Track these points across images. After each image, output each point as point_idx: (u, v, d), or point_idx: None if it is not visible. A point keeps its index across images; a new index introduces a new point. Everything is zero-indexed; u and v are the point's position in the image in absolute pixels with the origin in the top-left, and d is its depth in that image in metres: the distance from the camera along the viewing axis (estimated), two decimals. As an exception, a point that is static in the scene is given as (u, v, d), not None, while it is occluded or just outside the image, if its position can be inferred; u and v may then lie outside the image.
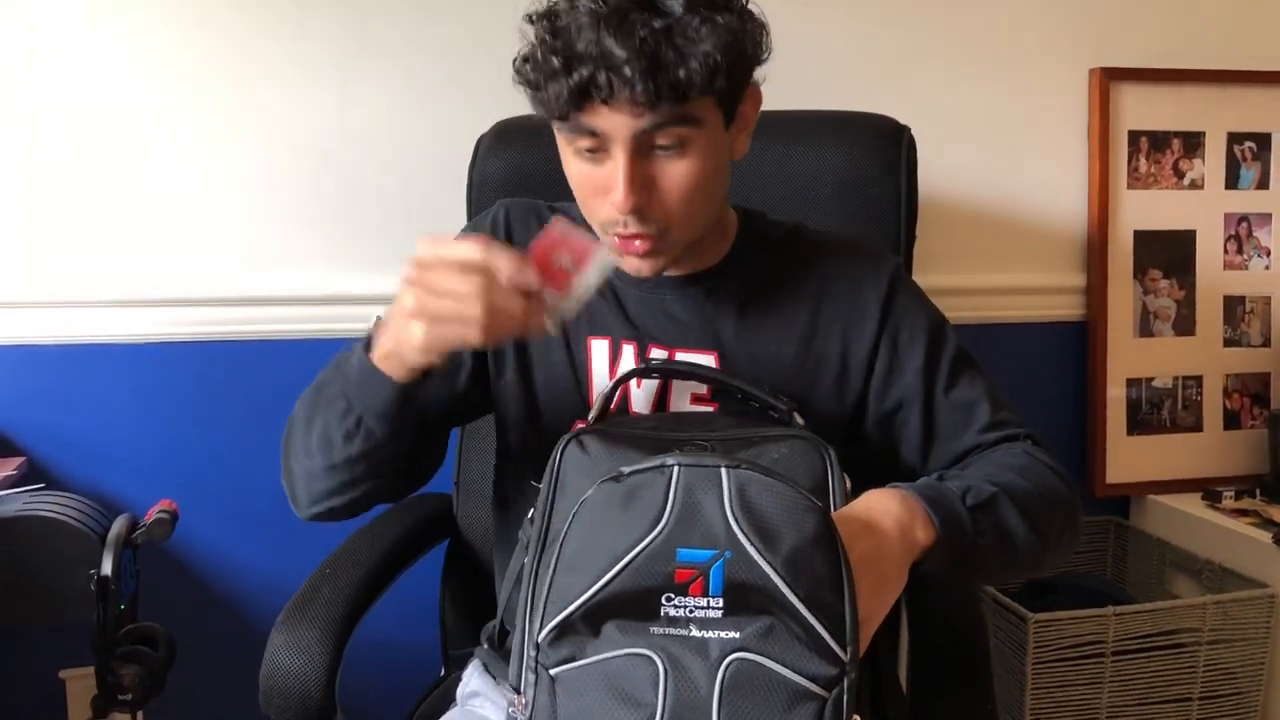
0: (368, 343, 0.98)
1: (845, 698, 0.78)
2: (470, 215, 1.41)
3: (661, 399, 1.09)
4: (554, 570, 0.81)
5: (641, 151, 0.94)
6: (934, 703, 1.06)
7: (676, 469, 0.81)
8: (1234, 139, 1.96)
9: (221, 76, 1.63)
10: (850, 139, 1.37)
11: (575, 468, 0.93)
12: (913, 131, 1.39)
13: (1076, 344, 1.96)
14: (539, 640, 0.81)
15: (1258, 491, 1.92)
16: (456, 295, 0.87)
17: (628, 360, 1.09)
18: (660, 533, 0.79)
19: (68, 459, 1.65)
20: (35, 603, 1.35)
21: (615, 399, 1.08)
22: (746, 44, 0.95)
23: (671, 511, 0.79)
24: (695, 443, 0.94)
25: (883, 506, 0.90)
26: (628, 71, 0.88)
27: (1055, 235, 1.93)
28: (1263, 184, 1.98)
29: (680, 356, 1.08)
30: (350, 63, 1.66)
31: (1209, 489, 1.93)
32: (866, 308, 1.09)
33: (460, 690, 1.14)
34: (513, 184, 1.35)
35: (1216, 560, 1.79)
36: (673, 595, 0.78)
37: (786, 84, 1.72)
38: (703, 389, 1.08)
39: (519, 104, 0.99)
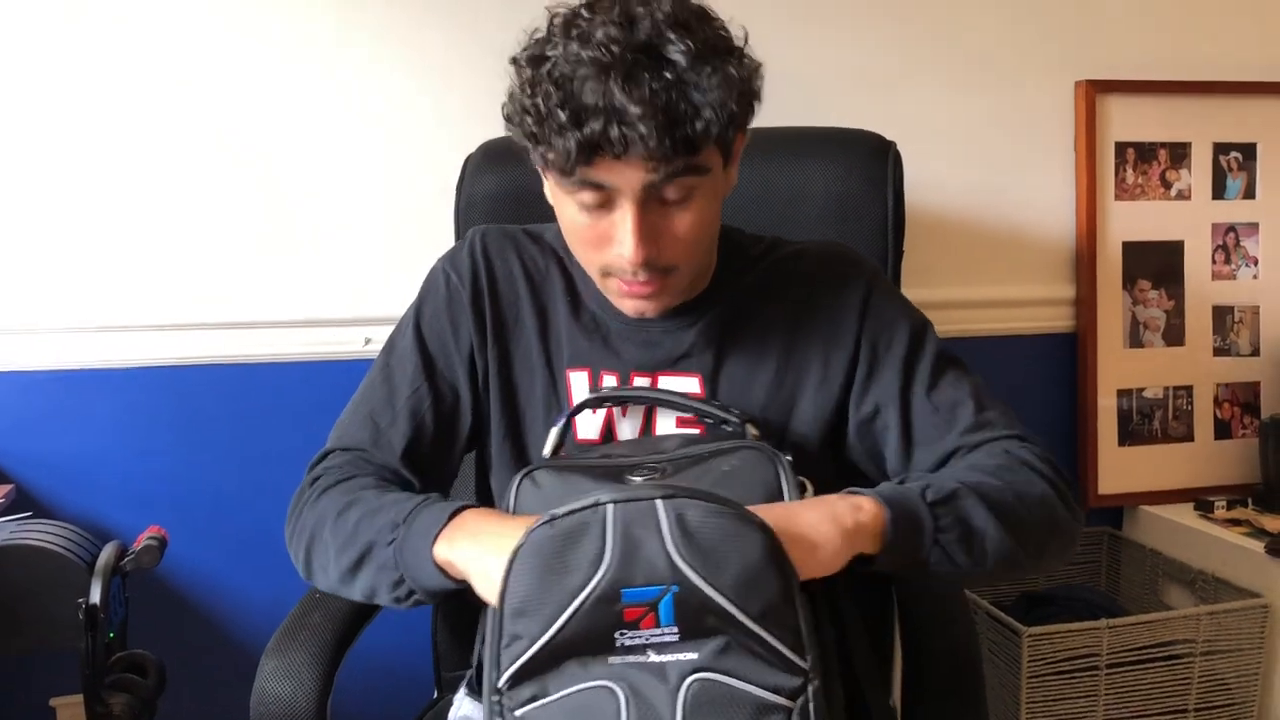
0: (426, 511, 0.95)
1: (811, 705, 0.79)
2: (459, 234, 1.41)
3: (647, 426, 1.08)
4: (501, 618, 0.81)
5: (649, 203, 0.93)
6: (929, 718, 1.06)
7: (610, 508, 0.80)
8: (1220, 149, 1.97)
9: (205, 98, 1.62)
10: (837, 156, 1.37)
11: (529, 505, 0.93)
12: (900, 146, 1.39)
13: (1067, 355, 1.96)
14: (499, 686, 0.82)
15: (1250, 501, 1.92)
16: None
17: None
18: (604, 576, 0.79)
19: (55, 486, 1.64)
20: (24, 632, 1.33)
21: (601, 430, 1.08)
22: (751, 90, 0.94)
23: (612, 553, 0.79)
24: (646, 466, 0.94)
25: (821, 498, 0.90)
26: (642, 128, 0.86)
27: (1044, 247, 1.93)
28: (1249, 194, 1.98)
29: (663, 381, 1.07)
30: (335, 82, 1.65)
31: (1201, 499, 1.93)
32: (844, 316, 1.07)
33: (452, 714, 1.14)
34: (501, 204, 1.35)
35: (1210, 570, 1.79)
36: (626, 630, 0.79)
37: (773, 101, 1.72)
38: (692, 389, 1.07)
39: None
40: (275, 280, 1.67)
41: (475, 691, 1.06)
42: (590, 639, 0.79)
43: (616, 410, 1.08)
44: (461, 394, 1.11)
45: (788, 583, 0.80)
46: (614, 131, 0.86)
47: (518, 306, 1.12)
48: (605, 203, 0.93)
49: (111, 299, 1.63)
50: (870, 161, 1.36)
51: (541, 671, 0.81)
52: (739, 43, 0.95)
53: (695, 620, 0.79)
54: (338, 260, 1.69)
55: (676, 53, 0.88)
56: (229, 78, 1.63)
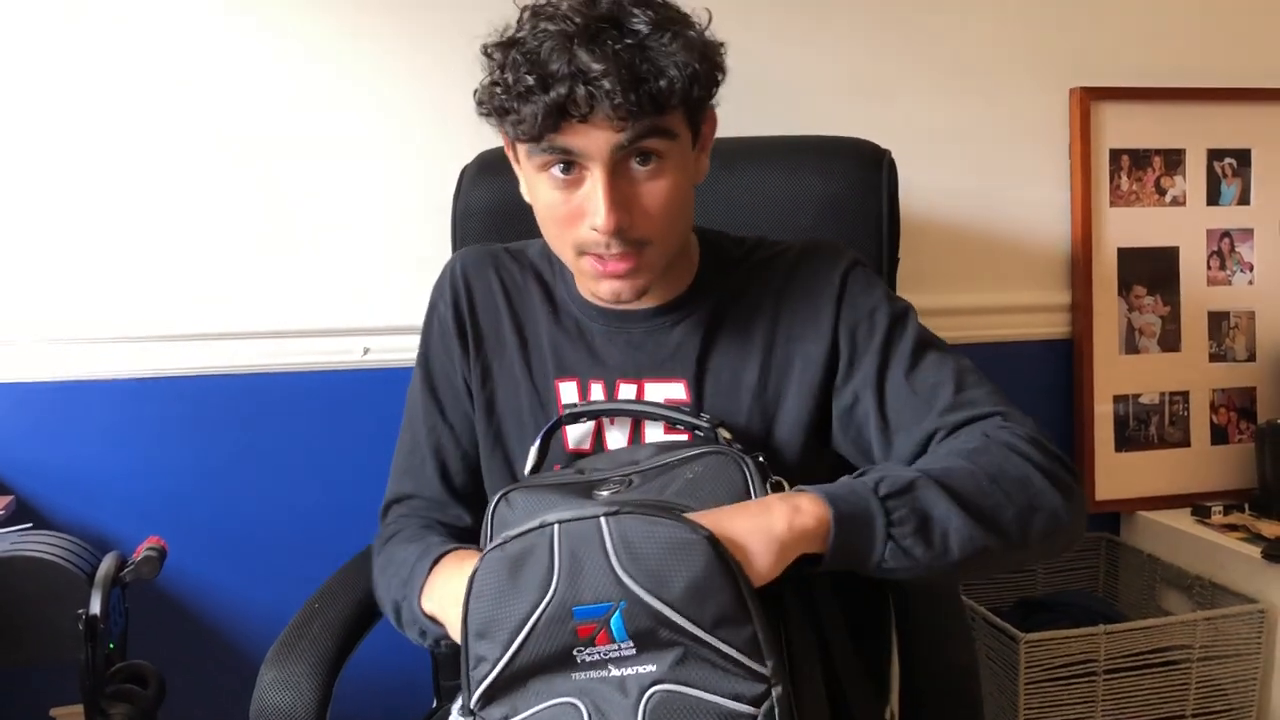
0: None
1: (776, 710, 0.80)
2: (455, 247, 1.41)
3: (636, 433, 1.09)
4: (466, 640, 0.84)
5: (618, 170, 0.94)
6: (924, 728, 1.07)
7: (556, 528, 0.81)
8: (1214, 155, 1.97)
9: (200, 108, 1.63)
10: (831, 164, 1.37)
11: (503, 527, 0.94)
12: (895, 153, 1.39)
13: (1063, 362, 1.96)
14: (471, 707, 0.85)
15: (1246, 506, 1.92)
16: None
17: (597, 397, 1.09)
18: (553, 597, 0.80)
19: (55, 497, 1.65)
20: (24, 643, 1.34)
21: (591, 440, 1.10)
22: (714, 56, 0.96)
23: (559, 573, 0.80)
24: (615, 479, 0.95)
25: (764, 500, 0.88)
26: (607, 84, 0.88)
27: (1039, 254, 1.94)
28: (1244, 200, 1.99)
29: (649, 388, 1.08)
30: (331, 92, 1.66)
31: (1198, 504, 1.93)
32: (821, 308, 1.07)
33: (449, 726, 1.14)
34: (497, 214, 1.36)
35: (1207, 576, 1.79)
36: (583, 647, 0.81)
37: (768, 110, 1.75)
38: (678, 395, 1.08)
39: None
40: (275, 290, 1.68)
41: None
42: (550, 657, 0.81)
43: (605, 418, 1.09)
44: (472, 416, 1.15)
45: (738, 589, 0.80)
46: (580, 91, 0.88)
47: (498, 323, 1.14)
48: (577, 178, 0.95)
49: (112, 310, 1.63)
50: (864, 170, 1.36)
51: (508, 690, 0.84)
52: (700, 24, 0.97)
53: (648, 634, 0.80)
54: (337, 270, 1.69)
55: (638, 22, 0.91)
56: (230, 88, 1.63)
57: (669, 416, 1.04)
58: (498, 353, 1.14)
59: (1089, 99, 1.90)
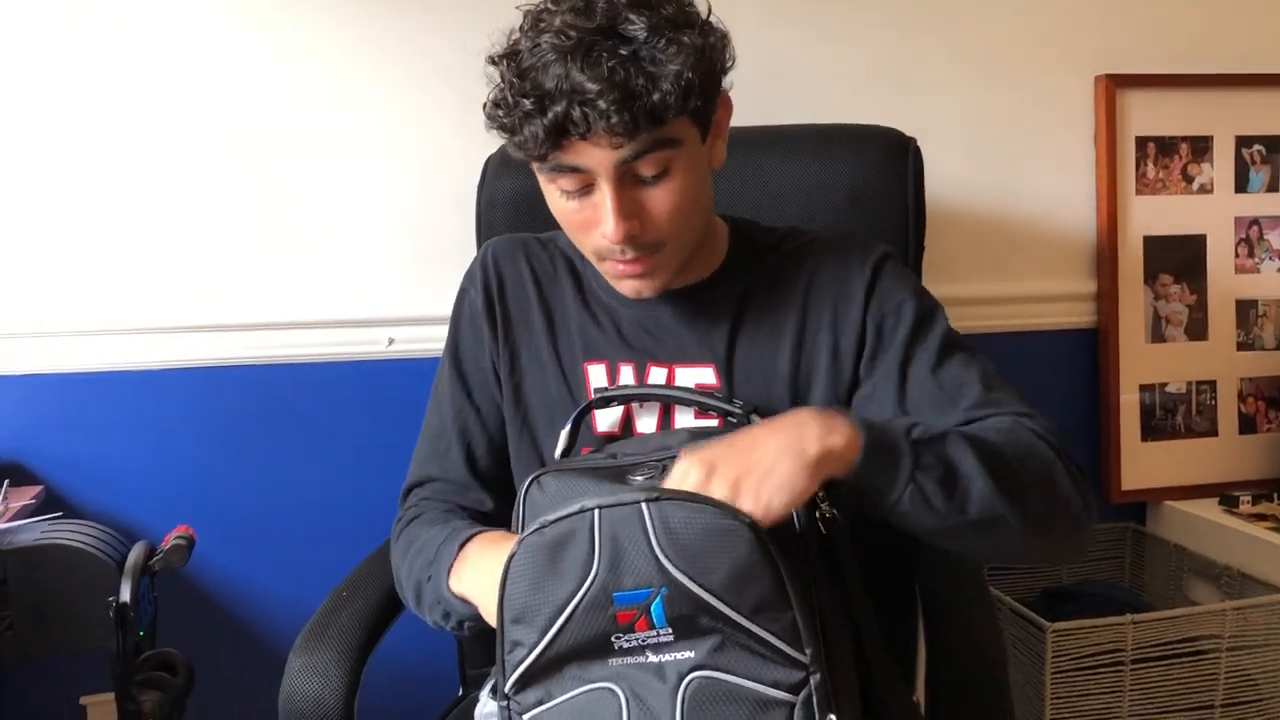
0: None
1: (815, 697, 0.80)
2: (480, 238, 1.42)
3: (665, 418, 1.09)
4: (502, 625, 0.84)
5: (625, 181, 0.95)
6: (952, 713, 1.06)
7: (596, 513, 0.81)
8: (1242, 142, 1.95)
9: (218, 100, 1.64)
10: (857, 152, 1.37)
11: (536, 511, 0.94)
12: (920, 141, 1.39)
13: (1088, 351, 1.95)
14: (506, 691, 0.85)
15: (1275, 495, 1.91)
16: None
17: (626, 381, 1.09)
18: (593, 582, 0.80)
19: (84, 487, 1.66)
20: (56, 632, 1.35)
21: (620, 423, 1.09)
22: (713, 58, 0.95)
23: (600, 559, 0.80)
24: (648, 464, 0.94)
25: (795, 416, 0.87)
26: (602, 104, 0.88)
27: (1065, 243, 1.93)
28: (1273, 187, 1.97)
29: (679, 372, 1.08)
30: (355, 83, 1.67)
31: (1226, 494, 1.92)
32: (852, 297, 1.07)
33: (478, 711, 1.15)
34: (521, 205, 1.36)
35: (1235, 565, 1.78)
36: (621, 634, 0.81)
37: (793, 98, 1.74)
38: (708, 380, 1.07)
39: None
40: (300, 281, 1.68)
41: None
42: (588, 643, 0.82)
43: (635, 405, 1.09)
44: (499, 400, 1.16)
45: (779, 576, 0.80)
46: (575, 112, 0.88)
47: (527, 309, 1.14)
48: (585, 186, 0.95)
49: (137, 301, 1.65)
50: (890, 158, 1.36)
51: (544, 676, 0.84)
52: (701, 14, 0.96)
53: (688, 620, 0.80)
54: (362, 261, 1.70)
55: (635, 29, 0.90)
56: (240, 78, 1.64)
57: (702, 402, 1.04)
58: (526, 338, 1.14)
59: (1114, 86, 1.88)
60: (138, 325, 1.64)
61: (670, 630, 0.80)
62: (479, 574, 0.96)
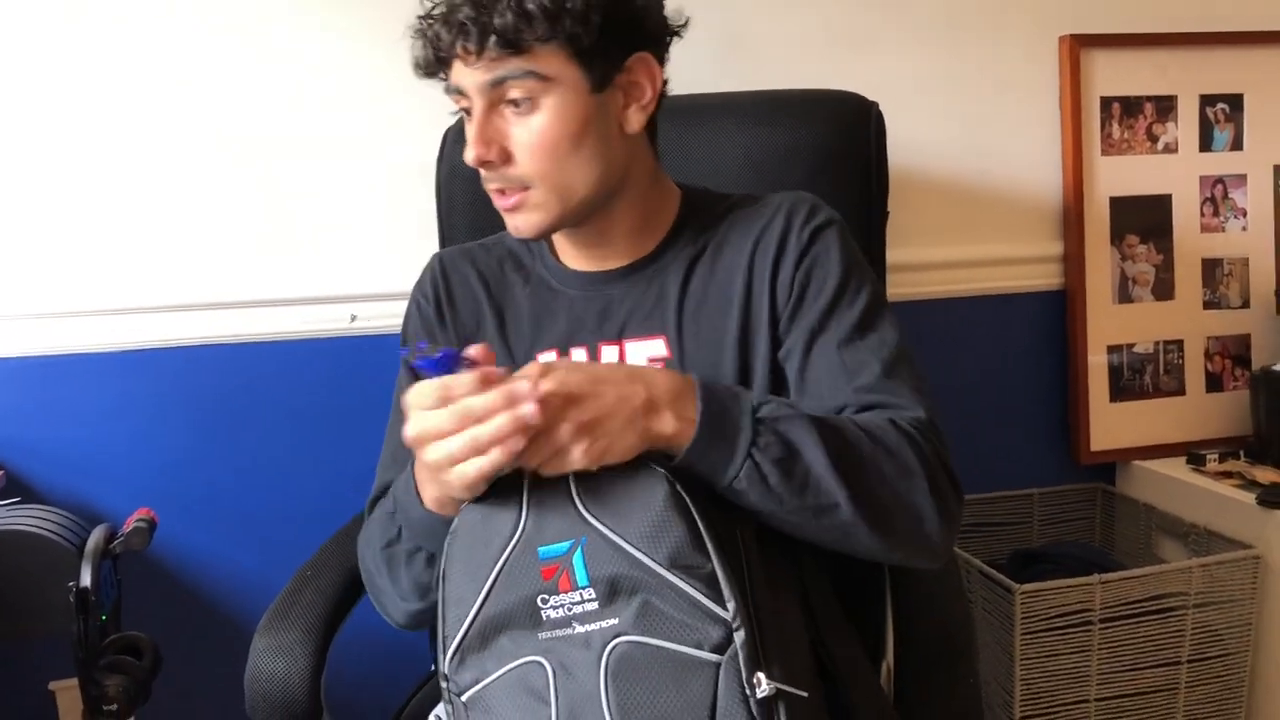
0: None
1: (741, 654, 0.79)
2: (441, 209, 1.41)
3: None
4: (444, 604, 0.87)
5: (495, 107, 0.96)
6: (918, 680, 1.07)
7: (526, 481, 0.85)
8: (1206, 101, 1.95)
9: (194, 84, 1.61)
10: (818, 118, 1.36)
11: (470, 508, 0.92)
12: (883, 105, 1.38)
13: (1056, 313, 1.96)
14: (445, 671, 0.87)
15: (1241, 453, 1.92)
16: (477, 432, 0.81)
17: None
18: (519, 540, 0.83)
19: (44, 471, 1.64)
20: (17, 617, 1.34)
21: None
22: (619, 3, 0.96)
23: (526, 518, 0.84)
24: None
25: (653, 377, 0.87)
26: (459, 17, 0.92)
27: (1030, 205, 1.93)
28: (1236, 145, 1.97)
29: (630, 347, 1.06)
30: (312, 51, 1.64)
31: (1193, 452, 1.93)
32: (788, 252, 1.04)
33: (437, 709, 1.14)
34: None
35: (1202, 523, 1.79)
36: (547, 596, 0.82)
37: (751, 64, 1.73)
38: (659, 352, 1.05)
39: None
40: (261, 259, 1.66)
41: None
42: (517, 608, 0.84)
43: None
44: None
45: (696, 530, 0.81)
46: (443, 31, 0.94)
47: (479, 311, 1.13)
48: (469, 110, 0.98)
49: (97, 283, 1.62)
50: (852, 123, 1.35)
51: (478, 650, 0.86)
52: None
53: (610, 582, 0.81)
54: (323, 238, 1.68)
55: None
56: (201, 58, 1.61)
57: None
58: (479, 340, 1.11)
59: (1079, 46, 1.88)
60: (95, 308, 1.62)
61: (593, 593, 0.81)
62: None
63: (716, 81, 1.46)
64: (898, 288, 1.78)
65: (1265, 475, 1.80)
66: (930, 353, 1.85)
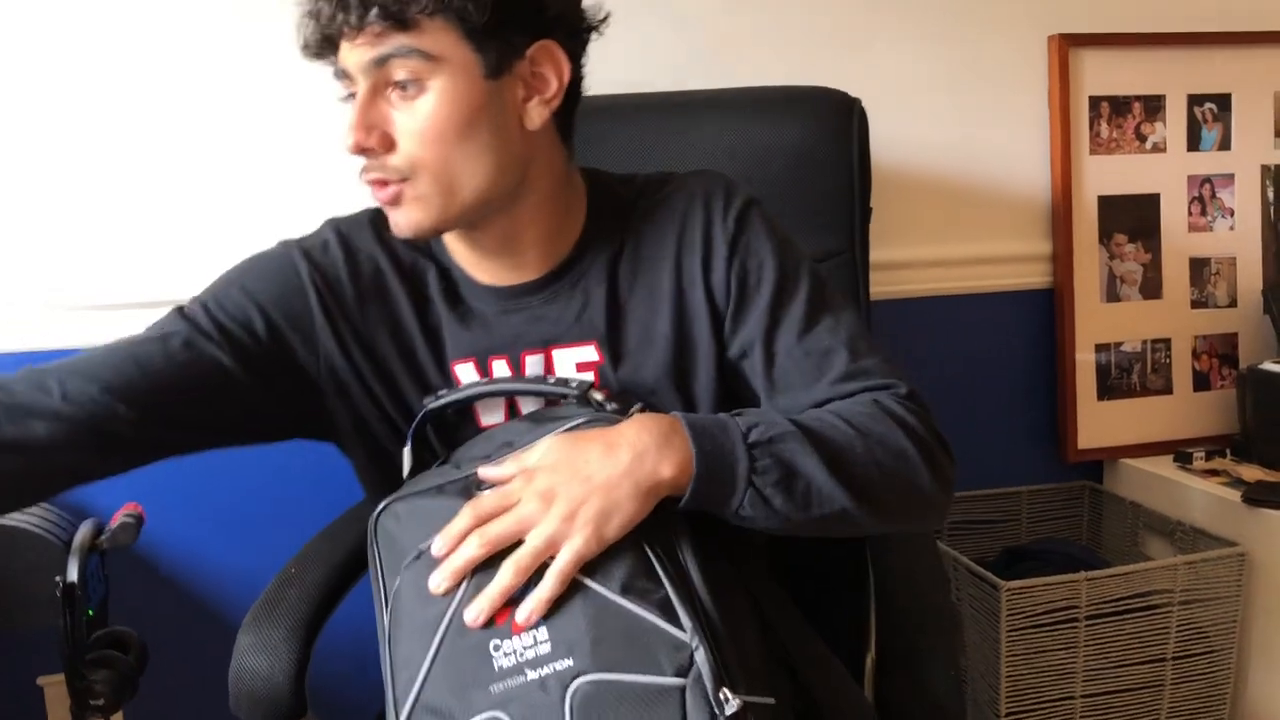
0: None
1: (706, 672, 0.77)
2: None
3: (513, 408, 1.03)
4: (392, 667, 0.85)
5: (379, 90, 0.90)
6: (897, 671, 1.07)
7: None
8: (1194, 101, 1.96)
9: (174, 73, 1.61)
10: (800, 115, 1.37)
11: (392, 541, 0.91)
12: (869, 103, 1.38)
13: (1044, 311, 1.96)
14: None
15: (1228, 451, 1.93)
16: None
17: (501, 375, 1.02)
18: (467, 588, 0.82)
19: (32, 467, 1.64)
20: (3, 612, 1.34)
21: (505, 412, 1.03)
22: None
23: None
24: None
25: (632, 435, 0.85)
26: None
27: (1019, 204, 1.93)
28: (1224, 145, 1.98)
29: (557, 354, 1.01)
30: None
31: (1180, 451, 1.94)
32: (716, 247, 1.00)
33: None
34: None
35: (1188, 521, 1.80)
36: (500, 641, 0.80)
37: (731, 60, 1.73)
38: (590, 358, 1.01)
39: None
40: (242, 252, 1.66)
41: None
42: (469, 656, 0.81)
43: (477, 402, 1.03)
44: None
45: (641, 552, 0.81)
46: (327, 6, 0.87)
47: (389, 306, 1.05)
48: (352, 95, 0.92)
49: (86, 278, 1.62)
50: (834, 119, 1.35)
51: (432, 715, 0.81)
52: None
53: (562, 621, 0.79)
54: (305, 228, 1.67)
55: None
56: (216, 53, 1.61)
57: (530, 390, 0.99)
58: (380, 341, 1.05)
59: (1067, 46, 1.88)
60: (83, 302, 1.62)
61: (545, 632, 0.79)
62: None
63: (694, 77, 1.46)
64: (887, 285, 1.79)
65: (1251, 473, 1.81)
66: (919, 351, 1.89)
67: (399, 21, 0.86)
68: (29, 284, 1.61)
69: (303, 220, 1.63)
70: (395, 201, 0.93)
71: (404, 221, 0.94)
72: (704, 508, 0.86)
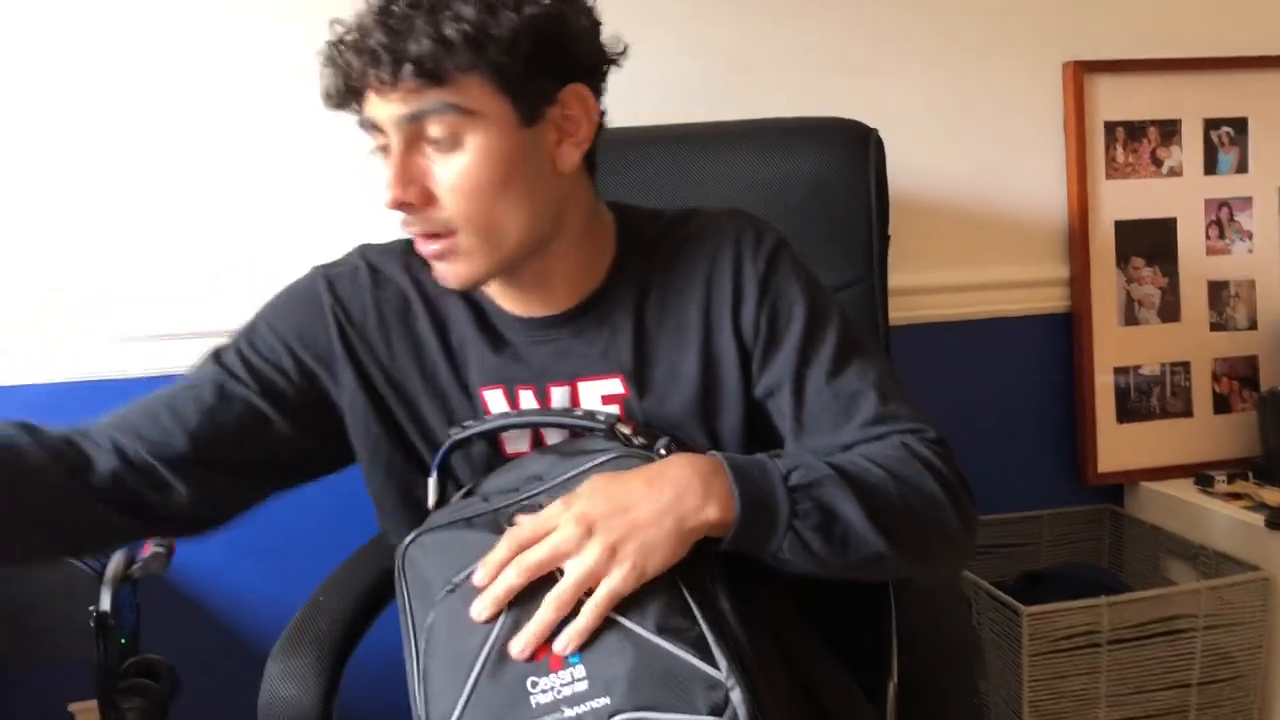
0: None
1: (742, 712, 0.78)
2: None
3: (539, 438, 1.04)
4: (427, 701, 0.85)
5: (415, 144, 0.89)
6: (920, 699, 1.07)
7: None
8: (1210, 125, 1.97)
9: (183, 98, 1.64)
10: (818, 145, 1.38)
11: (420, 573, 0.92)
12: (886, 132, 1.40)
13: (1062, 335, 1.97)
14: None
15: (1250, 474, 1.93)
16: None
17: (527, 405, 1.02)
18: (504, 623, 0.82)
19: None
20: (38, 641, 1.36)
21: (530, 441, 1.03)
22: (547, 26, 0.88)
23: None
24: (524, 502, 0.92)
25: (674, 473, 0.86)
26: (371, 43, 0.84)
27: (1036, 229, 1.94)
28: (1241, 168, 1.99)
29: (582, 387, 1.01)
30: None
31: (1201, 474, 1.94)
32: (746, 288, 1.00)
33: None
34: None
35: (1211, 545, 1.80)
36: (537, 678, 0.80)
37: (748, 91, 1.75)
38: (615, 390, 1.01)
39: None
40: (259, 285, 1.68)
41: None
42: (505, 693, 0.81)
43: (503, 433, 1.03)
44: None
45: (678, 592, 0.82)
46: (356, 60, 0.85)
47: (414, 333, 1.06)
48: (385, 148, 0.90)
49: (111, 311, 1.65)
50: (851, 149, 1.37)
51: None
52: None
53: (599, 659, 0.80)
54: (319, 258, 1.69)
55: None
56: (234, 76, 1.64)
57: (558, 423, 0.99)
58: (399, 368, 1.05)
59: (1082, 72, 1.89)
60: (109, 336, 1.65)
61: (583, 670, 0.79)
62: None
63: (710, 109, 1.48)
64: (906, 311, 1.80)
65: (1274, 497, 1.81)
66: (938, 376, 1.90)
67: (434, 78, 0.85)
68: (28, 284, 1.63)
69: (321, 229, 1.67)
70: (443, 256, 0.93)
71: (451, 276, 0.95)
72: (743, 549, 0.86)
